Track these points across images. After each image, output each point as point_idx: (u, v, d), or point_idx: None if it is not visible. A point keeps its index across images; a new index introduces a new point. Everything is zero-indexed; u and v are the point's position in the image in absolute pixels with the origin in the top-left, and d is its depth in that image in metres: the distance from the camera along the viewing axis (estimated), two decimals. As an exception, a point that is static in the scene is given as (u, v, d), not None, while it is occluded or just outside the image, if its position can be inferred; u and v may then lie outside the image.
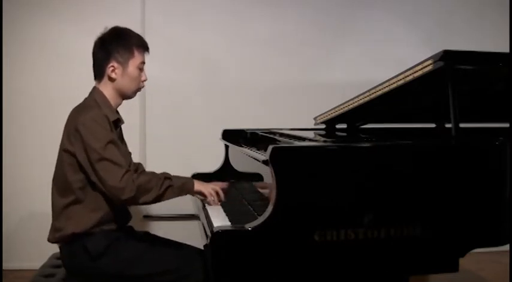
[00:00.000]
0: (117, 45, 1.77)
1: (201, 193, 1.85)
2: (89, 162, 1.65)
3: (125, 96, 1.84)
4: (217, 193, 1.87)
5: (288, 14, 3.23)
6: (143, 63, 1.83)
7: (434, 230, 1.49)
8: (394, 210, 1.48)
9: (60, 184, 1.74)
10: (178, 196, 1.77)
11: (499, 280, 2.83)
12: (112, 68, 1.77)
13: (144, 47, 1.83)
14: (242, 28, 3.19)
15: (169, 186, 1.71)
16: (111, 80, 1.79)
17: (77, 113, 1.73)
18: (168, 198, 1.73)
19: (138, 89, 1.86)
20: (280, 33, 3.22)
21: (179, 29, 3.11)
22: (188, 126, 3.12)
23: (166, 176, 1.73)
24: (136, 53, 1.80)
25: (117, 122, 1.83)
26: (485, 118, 2.23)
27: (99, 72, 1.81)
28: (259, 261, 1.39)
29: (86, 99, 1.82)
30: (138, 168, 2.11)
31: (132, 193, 1.62)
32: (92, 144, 1.63)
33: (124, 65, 1.78)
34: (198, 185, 1.83)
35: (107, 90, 1.80)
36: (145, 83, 1.87)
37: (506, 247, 1.67)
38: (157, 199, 1.70)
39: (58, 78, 3.01)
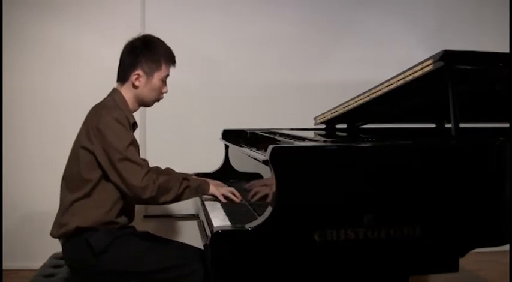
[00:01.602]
0: (146, 55, 1.80)
1: (214, 197, 1.91)
2: (109, 162, 1.67)
3: (143, 103, 1.88)
4: (232, 195, 1.92)
5: (289, 14, 3.23)
6: (168, 76, 1.86)
7: (435, 230, 1.49)
8: (394, 210, 1.48)
9: (72, 180, 1.75)
10: (194, 197, 1.84)
11: (499, 280, 2.83)
12: (137, 76, 1.80)
13: (172, 61, 1.86)
14: (243, 28, 3.18)
15: (187, 186, 1.77)
16: (134, 86, 1.82)
17: (98, 112, 1.75)
18: (185, 199, 1.79)
19: (157, 100, 1.89)
20: (280, 33, 3.21)
21: (179, 29, 3.11)
22: (188, 126, 3.12)
23: (184, 177, 1.78)
24: (163, 67, 1.83)
25: (134, 126, 1.85)
26: (485, 118, 2.22)
27: (123, 76, 1.83)
28: (259, 261, 1.39)
29: (105, 99, 1.84)
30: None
31: (153, 193, 1.66)
32: (114, 144, 1.65)
33: (149, 75, 1.81)
34: (213, 188, 1.89)
35: (128, 94, 1.83)
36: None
37: (506, 247, 1.67)
38: (176, 199, 1.75)
39: (59, 78, 3.00)
